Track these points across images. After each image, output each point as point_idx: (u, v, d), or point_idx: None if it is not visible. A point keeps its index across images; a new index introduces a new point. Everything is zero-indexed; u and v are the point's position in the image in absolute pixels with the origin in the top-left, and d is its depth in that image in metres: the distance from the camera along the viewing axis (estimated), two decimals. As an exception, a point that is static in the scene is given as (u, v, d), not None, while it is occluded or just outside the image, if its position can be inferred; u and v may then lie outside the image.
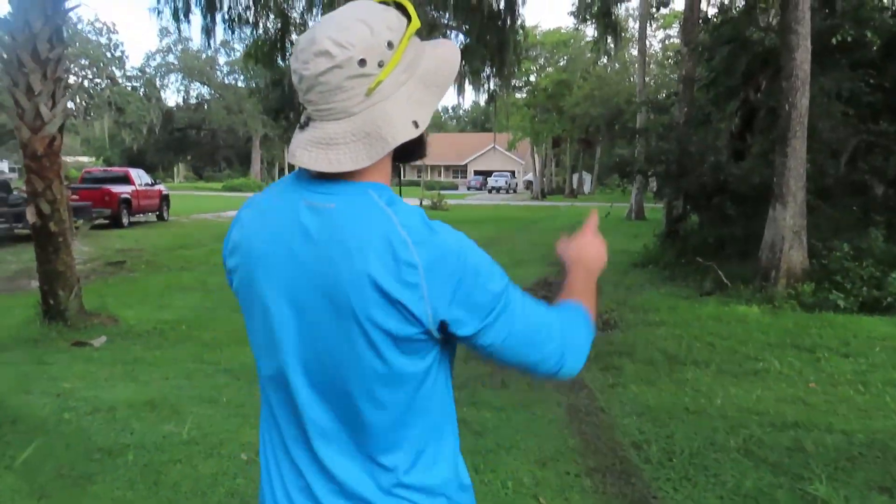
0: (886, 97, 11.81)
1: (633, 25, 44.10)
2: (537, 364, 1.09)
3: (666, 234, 12.83)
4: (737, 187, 10.26)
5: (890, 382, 5.25)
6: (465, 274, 0.98)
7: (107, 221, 20.43)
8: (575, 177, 56.21)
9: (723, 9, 13.65)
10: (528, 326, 1.06)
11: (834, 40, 9.69)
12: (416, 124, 1.02)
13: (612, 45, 30.87)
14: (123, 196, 21.13)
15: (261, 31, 16.83)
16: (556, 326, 1.10)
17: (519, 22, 17.18)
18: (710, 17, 13.34)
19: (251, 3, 16.25)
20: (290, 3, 17.13)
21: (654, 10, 38.75)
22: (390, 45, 0.99)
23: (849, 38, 9.72)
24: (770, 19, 11.87)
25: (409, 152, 1.09)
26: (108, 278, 11.47)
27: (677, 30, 43.70)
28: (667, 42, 46.59)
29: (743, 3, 13.00)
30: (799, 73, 8.93)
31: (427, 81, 1.04)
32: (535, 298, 1.11)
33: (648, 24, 37.99)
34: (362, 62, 0.96)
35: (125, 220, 21.06)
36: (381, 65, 0.98)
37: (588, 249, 1.36)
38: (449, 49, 1.10)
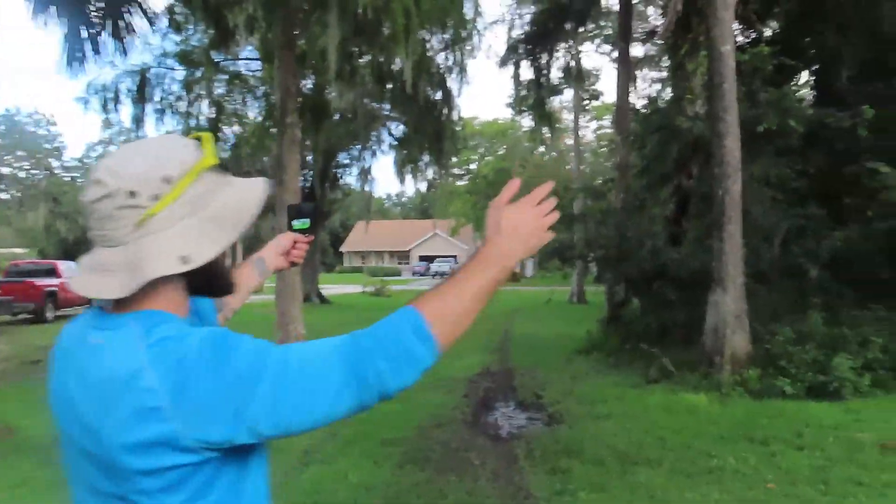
0: (811, 182, 12.23)
1: (568, 116, 46.18)
2: (336, 405, 0.99)
3: (609, 320, 12.67)
4: (676, 272, 10.22)
5: (850, 480, 4.95)
6: (206, 382, 0.93)
7: (31, 316, 19.39)
8: (517, 261, 56.67)
9: (651, 100, 14.13)
10: (295, 383, 0.97)
11: (760, 128, 9.99)
12: (184, 260, 1.00)
13: (548, 135, 31.94)
14: (49, 289, 20.03)
15: (193, 121, 16.56)
16: (336, 356, 1.00)
17: (455, 112, 17.46)
18: (639, 107, 13.78)
19: (184, 93, 16.04)
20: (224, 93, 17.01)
21: (586, 102, 40.80)
22: (168, 179, 0.99)
23: (773, 127, 10.03)
24: (697, 109, 12.29)
25: (207, 285, 1.11)
26: (19, 380, 10.47)
27: (610, 120, 45.98)
28: (599, 132, 48.61)
29: (671, 93, 13.48)
30: (730, 159, 9.08)
31: (218, 218, 1.04)
32: (308, 348, 1.02)
33: (582, 115, 39.66)
34: (132, 194, 0.97)
35: (49, 315, 19.88)
36: (155, 198, 0.98)
37: (524, 218, 1.16)
38: (252, 189, 1.10)
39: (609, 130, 45.85)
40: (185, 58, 16.86)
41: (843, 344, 8.71)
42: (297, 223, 1.82)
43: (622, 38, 14.27)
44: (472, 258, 1.14)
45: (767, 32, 14.47)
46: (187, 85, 16.61)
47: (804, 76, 15.22)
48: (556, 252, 15.54)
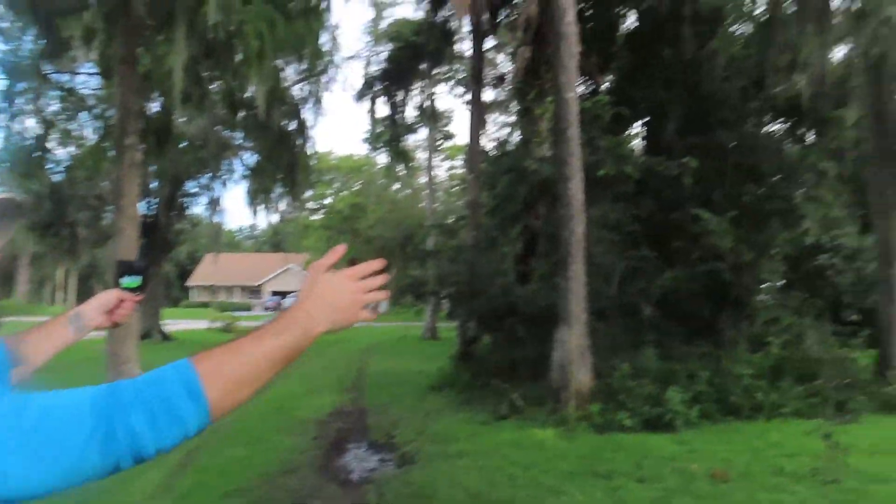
0: (643, 226, 13.18)
1: (423, 155, 47.07)
2: (81, 465, 0.84)
3: (461, 356, 12.78)
4: (525, 309, 10.51)
5: (687, 510, 5.19)
6: None
7: None
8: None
9: (501, 142, 14.67)
10: (31, 436, 0.82)
11: (600, 173, 10.62)
12: None
13: (402, 172, 32.19)
14: None
15: (16, 136, 14.94)
16: (88, 407, 0.86)
17: (310, 143, 17.14)
18: (489, 150, 14.27)
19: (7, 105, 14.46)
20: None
21: (439, 142, 41.88)
22: None
23: (612, 173, 10.73)
24: (544, 152, 12.90)
25: None
26: None
27: (462, 160, 47.44)
28: (452, 171, 49.95)
29: (519, 136, 14.07)
30: (574, 202, 9.54)
31: None
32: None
33: (435, 155, 40.59)
34: None
35: None
36: None
37: (340, 290, 1.07)
38: None
39: (461, 171, 47.36)
40: (11, 67, 15.22)
41: (674, 378, 9.33)
42: (126, 281, 1.62)
43: (474, 82, 14.76)
44: (274, 319, 1.02)
45: (605, 85, 15.62)
46: (8, 96, 14.97)
47: (636, 127, 16.57)
48: (410, 288, 15.55)
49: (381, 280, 1.13)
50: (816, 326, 10.80)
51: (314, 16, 11.73)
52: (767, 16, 15.69)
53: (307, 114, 15.58)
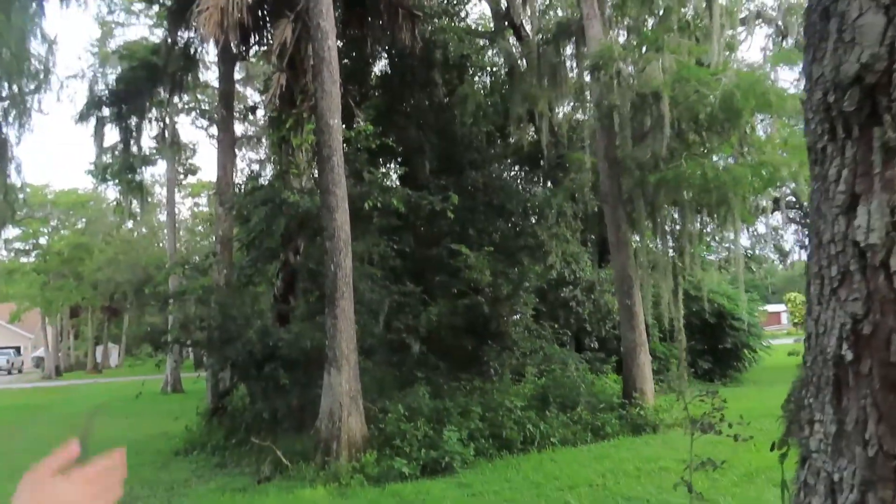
0: (405, 261, 12.97)
1: (161, 191, 43.15)
2: None
3: (212, 412, 11.19)
4: (287, 353, 9.49)
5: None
6: None
7: None
8: (99, 349, 49.65)
9: (253, 175, 13.56)
10: None
11: (366, 205, 10.11)
12: None
13: (137, 209, 28.90)
14: None
15: None
16: None
17: (14, 168, 14.23)
18: (242, 179, 13.09)
19: None
20: None
21: (182, 176, 38.66)
22: None
23: (378, 205, 10.27)
24: (303, 183, 12.07)
25: None
26: None
27: (206, 197, 44.30)
28: (196, 209, 46.42)
29: (274, 169, 13.08)
30: (341, 233, 8.87)
31: None
32: None
33: (177, 191, 37.36)
34: None
35: None
36: None
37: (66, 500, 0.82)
38: None
39: (206, 209, 44.12)
40: None
41: (447, 416, 9.00)
42: None
43: (224, 106, 13.50)
44: None
45: (361, 123, 15.36)
46: None
47: (392, 166, 16.56)
48: (148, 337, 13.51)
49: (119, 474, 0.88)
50: (570, 355, 11.35)
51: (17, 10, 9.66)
52: (508, 67, 16.86)
53: (10, 130, 12.86)
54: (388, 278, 11.89)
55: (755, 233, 18.47)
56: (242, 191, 12.64)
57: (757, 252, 22.09)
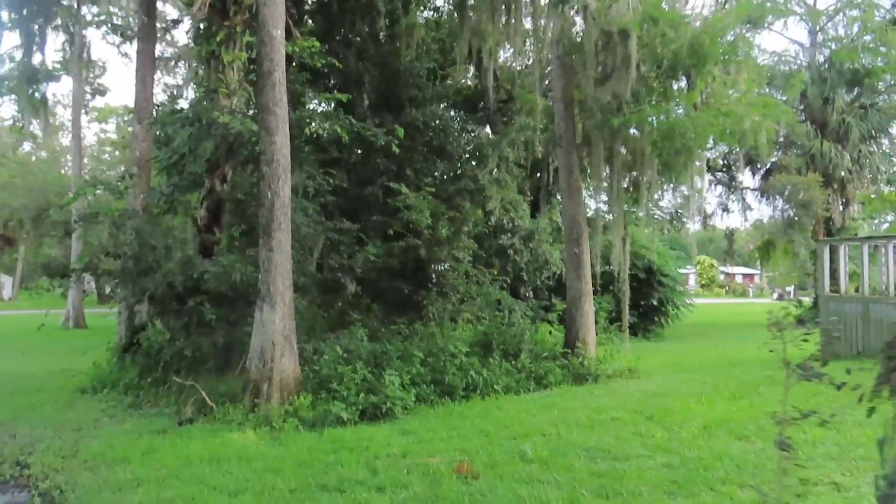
0: (339, 198, 12.23)
1: (64, 113, 39.96)
2: None
3: (124, 348, 10.22)
4: (215, 287, 8.67)
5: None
6: None
7: None
8: (-10, 280, 46.12)
9: (175, 95, 12.32)
10: None
11: (309, 130, 9.25)
12: None
13: (38, 129, 26.55)
14: None
15: None
16: None
17: None
18: (167, 94, 11.84)
19: None
20: None
21: (89, 97, 35.61)
22: None
23: (322, 133, 9.42)
24: (233, 105, 10.99)
25: None
26: None
27: (114, 125, 41.19)
28: (103, 135, 43.02)
29: (199, 88, 11.87)
30: (280, 158, 8.05)
31: None
32: None
33: (84, 114, 34.41)
34: None
35: None
36: None
37: None
38: None
39: (114, 135, 40.97)
40: None
41: (386, 360, 8.50)
42: None
43: (145, 12, 12.06)
44: None
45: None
46: None
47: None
48: (48, 268, 12.23)
49: None
50: (516, 302, 11.02)
51: None
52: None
53: None
54: (324, 214, 11.14)
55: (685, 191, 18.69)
56: (166, 108, 11.42)
57: (682, 211, 22.47)
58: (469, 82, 18.98)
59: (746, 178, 25.28)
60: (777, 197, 21.52)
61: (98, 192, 10.71)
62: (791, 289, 64.69)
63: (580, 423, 6.84)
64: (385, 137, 10.68)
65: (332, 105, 11.65)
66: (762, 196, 23.23)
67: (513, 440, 6.31)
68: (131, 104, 12.96)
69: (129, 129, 28.64)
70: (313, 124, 9.23)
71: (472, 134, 15.83)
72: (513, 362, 9.26)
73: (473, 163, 15.04)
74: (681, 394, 8.28)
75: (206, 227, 11.04)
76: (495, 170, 14.58)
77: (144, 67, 11.96)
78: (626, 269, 10.95)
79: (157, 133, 11.08)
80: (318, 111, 9.52)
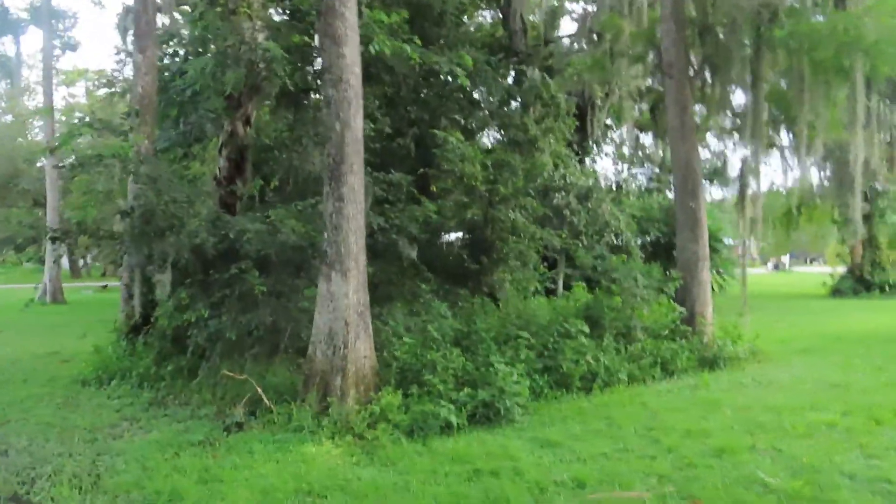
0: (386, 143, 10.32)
1: (29, 73, 37.21)
2: None
3: (133, 328, 8.15)
4: (261, 250, 6.68)
5: None
6: None
7: None
8: (-46, 252, 43.09)
9: (185, 16, 10.18)
10: None
11: (372, 48, 7.21)
12: None
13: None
14: None
15: None
16: None
17: None
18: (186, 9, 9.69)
19: None
20: None
21: (58, 51, 32.61)
22: None
23: (387, 51, 7.35)
24: (256, 29, 8.86)
25: None
26: None
27: (83, 88, 37.92)
28: (71, 101, 39.47)
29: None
30: (351, 77, 6.07)
31: None
32: None
33: (54, 74, 31.39)
34: None
35: None
36: None
37: None
38: None
39: (82, 100, 37.70)
40: None
41: (480, 343, 6.62)
42: None
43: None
44: None
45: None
46: None
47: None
48: (23, 236, 10.07)
49: None
50: (636, 266, 9.14)
51: None
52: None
53: None
54: (370, 163, 9.16)
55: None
56: (173, 30, 9.27)
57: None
58: (487, 25, 16.99)
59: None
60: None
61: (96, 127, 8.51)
62: (786, 258, 63.98)
63: (786, 431, 5.09)
64: (450, 64, 8.67)
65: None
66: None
67: (715, 457, 4.54)
68: (101, 67, 10.72)
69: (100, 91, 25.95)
70: (374, 42, 7.17)
71: (519, 80, 13.82)
72: (626, 344, 7.45)
73: (521, 111, 13.10)
74: (858, 382, 6.59)
75: (226, 178, 9.00)
76: (548, 118, 12.68)
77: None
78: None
79: (172, 55, 8.90)
80: (384, 24, 7.42)
